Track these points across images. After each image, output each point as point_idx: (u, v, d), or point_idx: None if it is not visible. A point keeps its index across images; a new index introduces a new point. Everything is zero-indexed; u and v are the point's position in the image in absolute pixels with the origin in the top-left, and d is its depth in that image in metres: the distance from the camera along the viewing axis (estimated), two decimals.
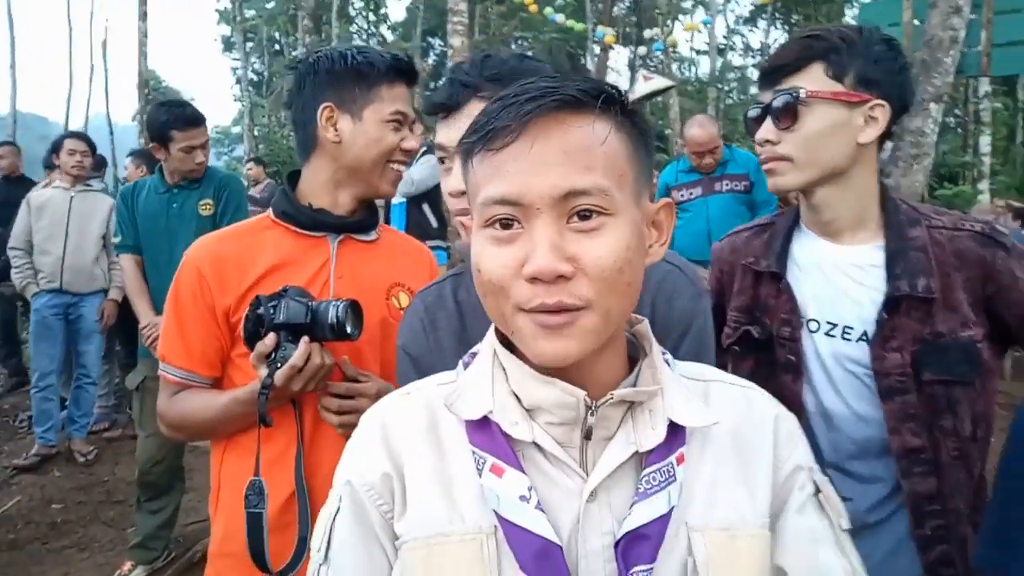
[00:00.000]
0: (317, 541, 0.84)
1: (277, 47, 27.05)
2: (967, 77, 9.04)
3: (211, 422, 1.43)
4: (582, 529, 0.76)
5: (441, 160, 1.18)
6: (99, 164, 6.01)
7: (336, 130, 1.47)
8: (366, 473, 0.83)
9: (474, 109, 1.10)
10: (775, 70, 1.33)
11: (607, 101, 0.75)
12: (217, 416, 1.42)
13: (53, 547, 3.87)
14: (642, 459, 0.79)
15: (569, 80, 0.75)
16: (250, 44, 28.49)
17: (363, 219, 1.57)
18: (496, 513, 0.76)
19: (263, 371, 1.35)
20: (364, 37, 26.28)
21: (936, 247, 1.31)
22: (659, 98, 13.18)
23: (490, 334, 0.87)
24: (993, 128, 14.90)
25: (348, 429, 1.37)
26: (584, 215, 0.73)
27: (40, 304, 4.75)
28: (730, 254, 1.54)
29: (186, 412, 1.46)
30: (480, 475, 0.78)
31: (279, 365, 1.33)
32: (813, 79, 1.29)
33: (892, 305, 1.29)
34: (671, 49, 15.27)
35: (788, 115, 1.30)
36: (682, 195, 4.56)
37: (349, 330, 1.35)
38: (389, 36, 26.59)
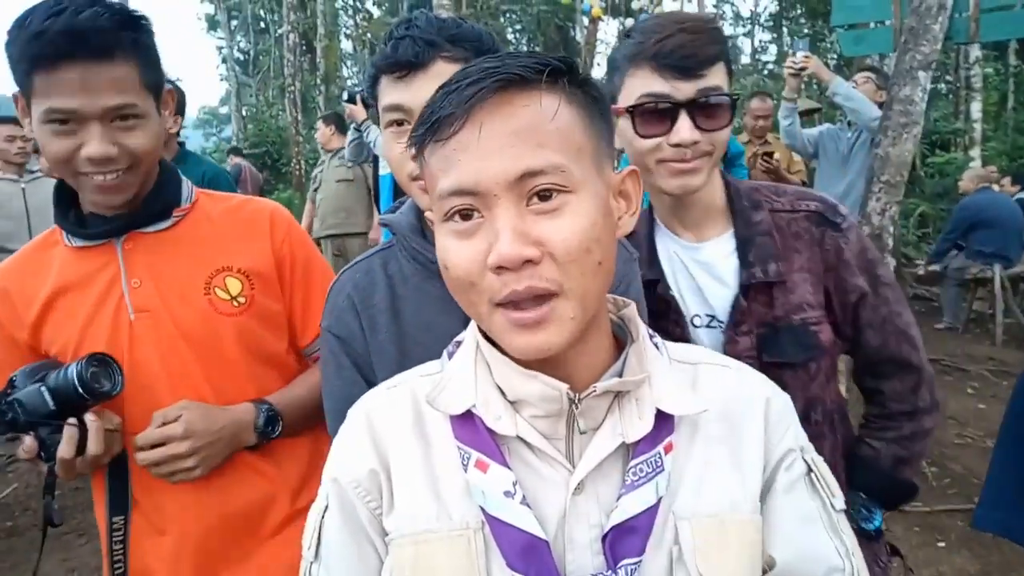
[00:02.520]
0: (307, 539, 0.84)
1: (262, 24, 26.65)
2: (956, 44, 8.97)
3: None
4: (568, 522, 0.75)
5: (399, 123, 1.09)
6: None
7: (31, 127, 1.15)
8: (353, 470, 0.82)
9: (442, 69, 1.05)
10: (691, 60, 1.23)
11: (553, 74, 0.72)
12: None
13: (51, 533, 3.86)
14: (629, 449, 0.78)
15: (512, 58, 0.73)
16: (235, 22, 28.06)
17: (146, 207, 1.27)
18: (482, 509, 0.75)
19: (43, 468, 1.20)
20: (350, 13, 25.89)
21: (779, 231, 1.34)
22: None
23: (473, 325, 0.85)
24: (984, 94, 14.82)
25: (177, 474, 1.23)
26: (544, 195, 0.71)
27: None
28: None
29: None
30: (466, 470, 0.77)
31: (54, 461, 1.18)
32: (722, 74, 1.26)
33: (745, 292, 1.31)
34: None
35: (720, 114, 1.25)
36: None
37: (106, 389, 1.18)
38: (375, 12, 26.20)
